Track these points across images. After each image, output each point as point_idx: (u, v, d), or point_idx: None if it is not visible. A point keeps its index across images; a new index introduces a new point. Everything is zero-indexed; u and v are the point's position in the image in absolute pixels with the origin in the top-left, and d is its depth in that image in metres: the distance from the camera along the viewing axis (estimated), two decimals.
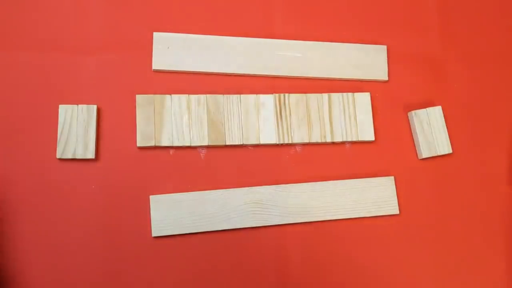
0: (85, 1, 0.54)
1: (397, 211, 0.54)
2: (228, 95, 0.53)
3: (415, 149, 0.57)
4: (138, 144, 0.51)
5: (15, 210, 0.49)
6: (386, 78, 0.57)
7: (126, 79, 0.52)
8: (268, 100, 0.54)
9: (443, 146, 0.56)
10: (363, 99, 0.56)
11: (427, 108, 0.56)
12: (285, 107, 0.54)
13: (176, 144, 0.51)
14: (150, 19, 0.54)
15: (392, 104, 0.57)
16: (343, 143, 0.55)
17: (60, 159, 0.50)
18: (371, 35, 0.58)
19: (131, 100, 0.48)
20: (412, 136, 0.57)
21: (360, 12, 0.59)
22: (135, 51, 0.53)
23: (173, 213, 0.50)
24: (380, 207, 0.54)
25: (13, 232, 0.49)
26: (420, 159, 0.56)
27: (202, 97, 0.53)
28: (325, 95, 0.55)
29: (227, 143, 0.52)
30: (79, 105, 0.50)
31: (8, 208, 0.49)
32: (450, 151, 0.56)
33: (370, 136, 0.55)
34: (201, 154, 0.53)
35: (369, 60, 0.57)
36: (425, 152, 0.55)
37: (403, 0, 0.60)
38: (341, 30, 0.58)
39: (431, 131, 0.56)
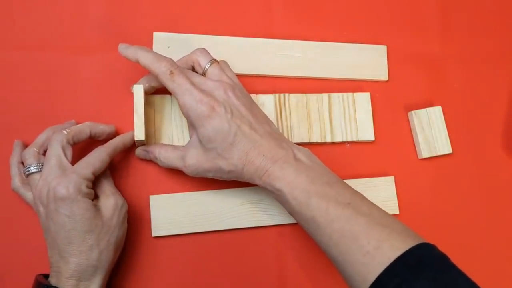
0: (85, 1, 0.54)
1: (397, 211, 0.54)
2: None
3: (415, 149, 0.57)
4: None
5: (13, 209, 0.49)
6: (386, 78, 0.57)
7: (126, 79, 0.52)
8: (268, 100, 0.54)
9: (443, 146, 0.56)
10: (363, 99, 0.56)
11: (427, 108, 0.56)
12: (285, 107, 0.54)
13: (176, 144, 0.51)
14: (150, 19, 0.54)
15: (392, 104, 0.57)
16: (343, 143, 0.55)
17: None
18: (371, 35, 0.58)
19: (131, 101, 0.48)
20: (412, 136, 0.57)
21: (360, 12, 0.59)
22: None
23: (173, 213, 0.50)
24: (380, 207, 0.54)
25: (10, 232, 0.49)
26: (420, 159, 0.56)
27: None
28: (325, 95, 0.55)
29: None
30: None
31: (6, 208, 0.49)
32: (450, 151, 0.56)
33: (370, 136, 0.55)
34: None
35: (369, 60, 0.57)
36: (425, 152, 0.55)
37: (403, 0, 0.60)
38: (341, 30, 0.58)
39: (431, 131, 0.56)
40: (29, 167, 0.46)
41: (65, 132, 0.46)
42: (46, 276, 0.44)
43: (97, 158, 0.46)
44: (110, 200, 0.46)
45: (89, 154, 0.46)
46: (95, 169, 0.45)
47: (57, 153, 0.45)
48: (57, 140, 0.45)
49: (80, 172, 0.44)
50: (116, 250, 0.45)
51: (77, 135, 0.47)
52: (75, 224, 0.43)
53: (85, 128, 0.48)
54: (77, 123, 0.49)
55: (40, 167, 0.46)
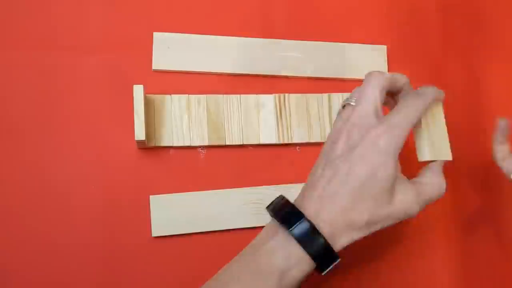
0: (85, 1, 0.54)
1: None
2: (228, 95, 0.53)
3: (415, 149, 0.57)
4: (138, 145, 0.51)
5: (12, 209, 0.49)
6: None
7: (126, 79, 0.52)
8: (268, 100, 0.54)
9: (443, 147, 0.53)
10: None
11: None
12: (285, 107, 0.54)
13: (176, 144, 0.51)
14: (150, 19, 0.54)
15: None
16: None
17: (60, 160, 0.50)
18: (371, 35, 0.58)
19: (131, 100, 0.48)
20: (412, 136, 0.57)
21: (360, 12, 0.59)
22: (135, 51, 0.53)
23: (173, 213, 0.50)
24: None
25: (10, 232, 0.49)
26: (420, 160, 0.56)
27: (202, 97, 0.53)
28: (325, 95, 0.55)
29: (227, 143, 0.52)
30: None
31: (6, 206, 0.49)
32: (449, 152, 0.53)
33: None
34: (201, 154, 0.53)
35: (369, 60, 0.57)
36: (425, 153, 0.53)
37: (403, 0, 0.60)
38: (341, 30, 0.58)
39: (431, 131, 0.54)
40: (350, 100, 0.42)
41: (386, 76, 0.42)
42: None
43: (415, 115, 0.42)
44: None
45: (403, 105, 0.41)
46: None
47: (375, 97, 0.41)
48: (377, 80, 0.41)
49: (402, 134, 0.40)
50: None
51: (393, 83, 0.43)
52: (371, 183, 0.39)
53: (401, 78, 0.44)
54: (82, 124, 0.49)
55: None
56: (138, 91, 0.48)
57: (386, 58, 0.58)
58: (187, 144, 0.52)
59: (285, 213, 0.39)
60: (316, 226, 0.38)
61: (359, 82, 0.56)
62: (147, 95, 0.51)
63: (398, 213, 0.40)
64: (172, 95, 0.52)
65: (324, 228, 0.38)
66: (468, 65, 0.60)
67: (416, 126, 0.45)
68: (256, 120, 0.53)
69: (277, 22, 0.57)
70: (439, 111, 0.46)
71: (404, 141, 0.40)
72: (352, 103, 0.42)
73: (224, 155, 0.53)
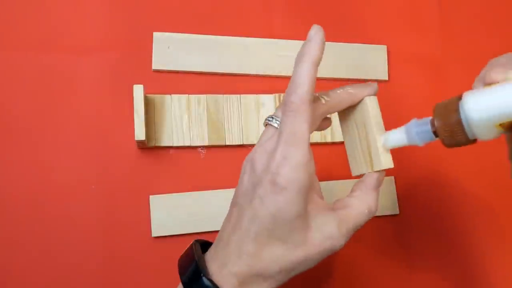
0: (85, 1, 0.54)
1: (397, 211, 0.54)
2: (228, 95, 0.53)
3: (414, 149, 0.57)
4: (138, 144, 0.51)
5: (12, 209, 0.49)
6: (386, 78, 0.57)
7: (126, 79, 0.52)
8: (268, 100, 0.54)
9: (384, 160, 0.43)
10: None
11: None
12: None
13: (176, 144, 0.51)
14: (150, 19, 0.54)
15: (392, 104, 0.57)
16: (343, 143, 0.55)
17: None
18: (371, 35, 0.58)
19: (131, 100, 0.48)
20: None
21: (360, 12, 0.59)
22: (135, 51, 0.53)
23: (173, 213, 0.50)
24: (380, 207, 0.54)
25: (10, 232, 0.49)
26: (420, 159, 0.56)
27: (202, 97, 0.53)
28: None
29: (227, 143, 0.52)
30: None
31: (6, 206, 0.49)
32: (391, 165, 0.44)
33: None
34: (201, 154, 0.53)
35: (369, 60, 0.57)
36: (360, 167, 0.45)
37: (403, 0, 0.60)
38: (341, 30, 0.58)
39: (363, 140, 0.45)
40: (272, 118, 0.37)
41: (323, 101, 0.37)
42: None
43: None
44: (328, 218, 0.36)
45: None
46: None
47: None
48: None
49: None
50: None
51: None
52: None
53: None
54: (78, 123, 0.49)
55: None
56: (138, 91, 0.48)
57: (386, 58, 0.58)
58: (187, 144, 0.52)
59: (187, 274, 0.36)
60: (219, 283, 0.34)
61: (359, 82, 0.57)
62: (147, 95, 0.51)
63: (317, 253, 0.35)
64: (172, 95, 0.52)
65: (230, 284, 0.34)
66: (468, 65, 0.59)
67: (345, 134, 0.42)
68: (256, 120, 0.53)
69: (277, 22, 0.57)
70: (370, 109, 0.41)
71: (307, 163, 0.34)
72: (273, 124, 0.37)
73: (224, 155, 0.53)
